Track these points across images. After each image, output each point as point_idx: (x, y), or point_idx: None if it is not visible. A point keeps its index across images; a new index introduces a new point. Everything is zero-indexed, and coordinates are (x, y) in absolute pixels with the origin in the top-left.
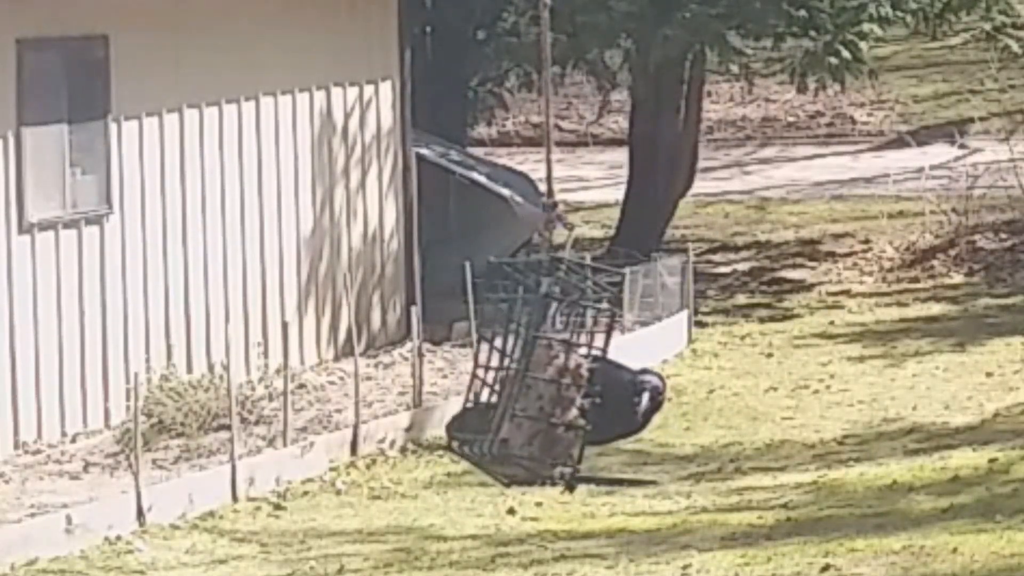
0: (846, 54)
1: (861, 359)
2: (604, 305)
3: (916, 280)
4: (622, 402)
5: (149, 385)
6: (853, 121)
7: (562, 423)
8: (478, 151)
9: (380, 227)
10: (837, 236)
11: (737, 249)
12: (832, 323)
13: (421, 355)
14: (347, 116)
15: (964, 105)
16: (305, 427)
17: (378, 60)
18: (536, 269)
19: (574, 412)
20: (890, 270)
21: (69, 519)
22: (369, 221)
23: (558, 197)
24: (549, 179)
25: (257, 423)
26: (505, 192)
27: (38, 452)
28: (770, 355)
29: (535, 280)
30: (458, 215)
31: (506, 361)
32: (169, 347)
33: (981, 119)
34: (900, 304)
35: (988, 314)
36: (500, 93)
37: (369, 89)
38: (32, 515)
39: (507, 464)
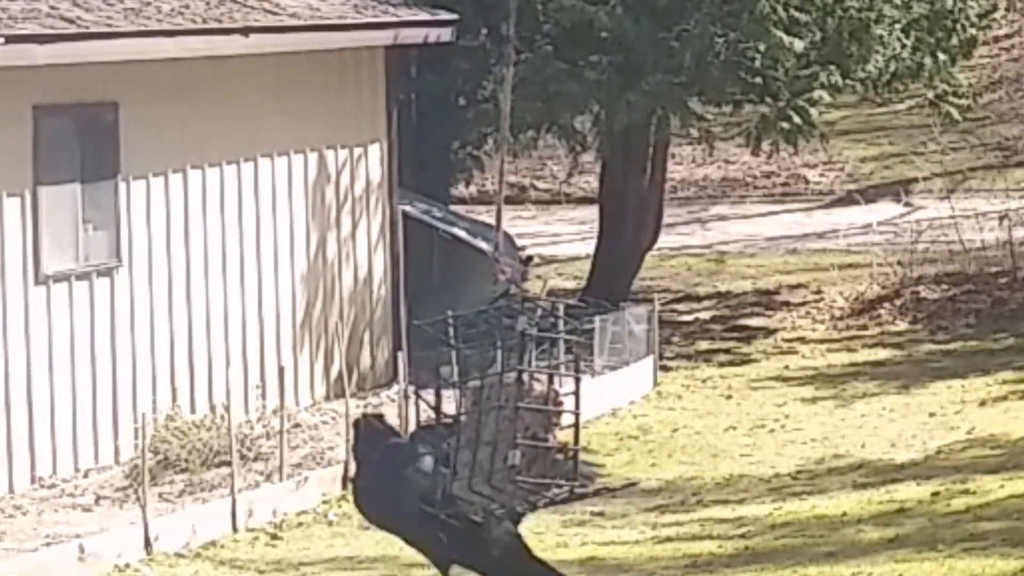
0: (798, 119)
1: (813, 400)
2: (572, 353)
3: (864, 327)
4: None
5: (156, 424)
6: (806, 181)
7: (557, 446)
8: (459, 208)
9: (369, 279)
10: (791, 287)
11: (699, 299)
12: (787, 367)
13: (407, 397)
14: (339, 176)
15: (908, 166)
16: (300, 463)
17: (367, 125)
18: (499, 316)
19: (559, 435)
20: (840, 318)
21: (82, 548)
22: (359, 274)
23: (533, 251)
24: (498, 231)
25: (255, 459)
26: (484, 246)
27: (53, 486)
28: (729, 396)
29: (508, 322)
30: (441, 267)
31: (468, 405)
32: (174, 389)
33: (924, 179)
34: (849, 350)
35: (931, 359)
36: (479, 155)
37: (359, 151)
38: (47, 544)
39: (511, 496)
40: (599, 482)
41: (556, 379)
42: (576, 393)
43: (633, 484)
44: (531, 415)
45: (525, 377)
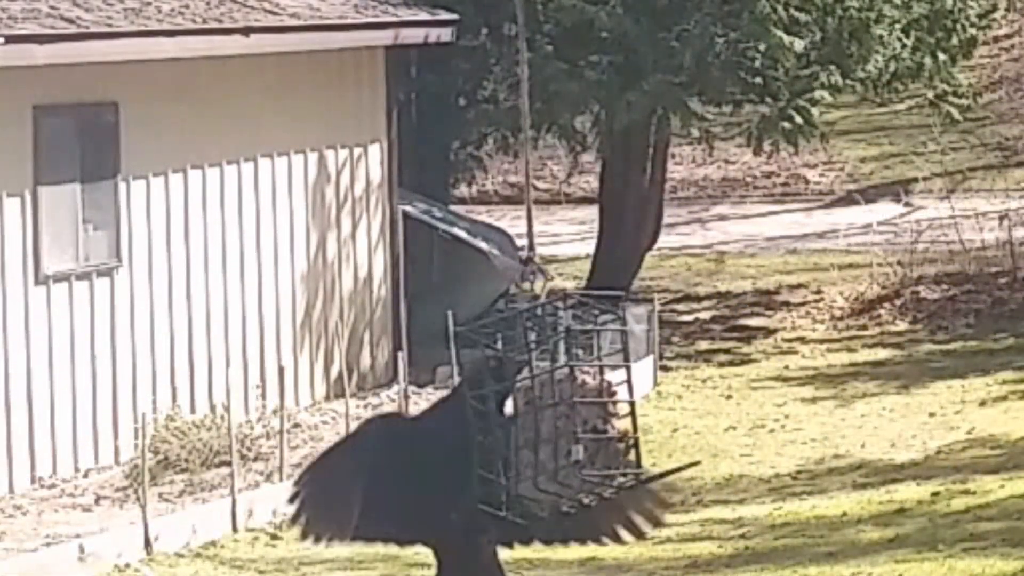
0: (799, 119)
1: (813, 400)
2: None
3: (864, 328)
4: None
5: (156, 424)
6: (806, 181)
7: (617, 435)
8: (459, 208)
9: (369, 279)
10: (791, 287)
11: (699, 299)
12: (787, 367)
13: (407, 396)
14: (339, 176)
15: (908, 166)
16: (300, 463)
17: (367, 125)
18: (543, 314)
19: (617, 424)
20: (840, 318)
21: (82, 548)
22: (359, 274)
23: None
24: (530, 234)
25: (255, 460)
26: (484, 246)
27: (53, 486)
28: (729, 397)
29: (552, 320)
30: (441, 267)
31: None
32: (174, 389)
33: (924, 179)
34: (849, 350)
35: (931, 359)
36: (479, 155)
37: (359, 151)
38: (47, 544)
39: (578, 490)
40: (656, 469)
41: (604, 370)
42: (628, 382)
43: (696, 464)
44: (587, 408)
45: (577, 372)
